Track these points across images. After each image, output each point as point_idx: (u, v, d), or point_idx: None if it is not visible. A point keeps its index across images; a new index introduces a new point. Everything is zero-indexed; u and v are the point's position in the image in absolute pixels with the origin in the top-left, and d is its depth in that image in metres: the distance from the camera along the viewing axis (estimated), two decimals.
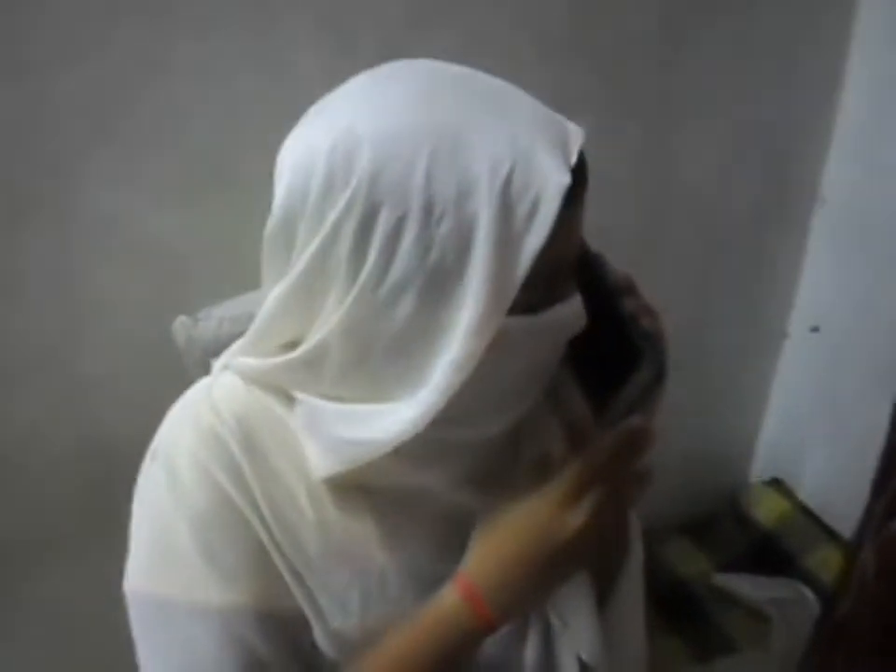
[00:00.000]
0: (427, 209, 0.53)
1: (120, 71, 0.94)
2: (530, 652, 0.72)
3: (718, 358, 1.74)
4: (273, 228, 0.60)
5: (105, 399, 1.07)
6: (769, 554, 1.72)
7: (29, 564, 1.12)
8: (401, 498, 0.67)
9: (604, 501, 0.62)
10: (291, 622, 0.64)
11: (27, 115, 0.91)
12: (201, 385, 0.69)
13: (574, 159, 0.55)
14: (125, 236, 1.01)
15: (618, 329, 0.64)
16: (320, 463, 0.63)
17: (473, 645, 0.64)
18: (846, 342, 1.67)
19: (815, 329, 1.74)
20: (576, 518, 0.61)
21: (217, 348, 0.73)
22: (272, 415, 0.66)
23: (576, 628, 0.70)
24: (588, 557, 0.66)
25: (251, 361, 0.66)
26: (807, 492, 1.81)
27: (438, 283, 0.54)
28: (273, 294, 0.62)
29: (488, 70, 0.60)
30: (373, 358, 0.58)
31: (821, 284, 1.71)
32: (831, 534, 1.70)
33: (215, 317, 0.80)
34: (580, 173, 0.57)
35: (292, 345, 0.63)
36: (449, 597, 0.62)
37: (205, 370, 0.72)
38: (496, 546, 0.63)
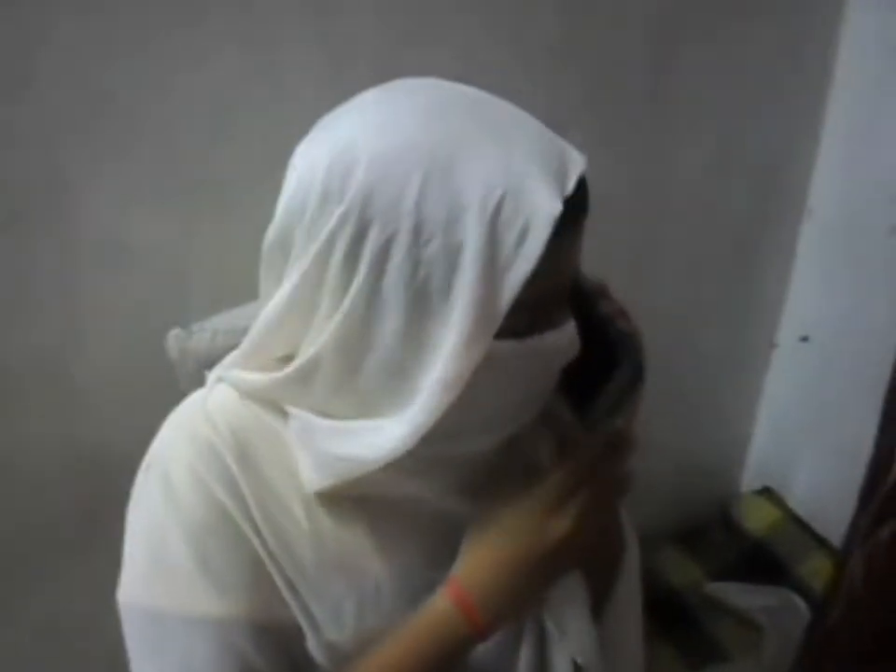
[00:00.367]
0: (416, 230, 0.53)
1: (121, 91, 0.94)
2: (525, 657, 0.72)
3: (708, 368, 1.75)
4: (271, 238, 0.61)
5: (102, 410, 1.07)
6: (760, 563, 1.72)
7: (24, 575, 1.12)
8: (395, 508, 0.67)
9: (588, 505, 0.64)
10: (286, 632, 0.64)
11: (27, 127, 0.92)
12: (195, 397, 0.70)
13: (570, 187, 0.55)
14: (124, 248, 1.01)
15: (595, 333, 0.64)
16: (312, 477, 0.63)
17: (464, 651, 0.65)
18: (834, 351, 1.68)
19: (804, 339, 1.75)
20: (562, 523, 0.63)
21: (211, 361, 0.73)
22: (266, 427, 0.66)
23: (571, 633, 0.71)
24: (575, 560, 0.68)
25: (245, 375, 0.67)
26: (798, 500, 1.82)
27: (425, 303, 0.55)
28: (268, 306, 0.62)
29: (479, 86, 0.61)
30: (363, 375, 0.59)
31: (810, 294, 1.72)
32: (821, 542, 1.71)
33: (209, 330, 0.80)
34: (579, 202, 0.57)
35: (286, 360, 0.63)
36: (440, 603, 0.63)
37: (199, 382, 0.73)
38: (485, 552, 0.64)
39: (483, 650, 0.68)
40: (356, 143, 0.55)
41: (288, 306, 0.60)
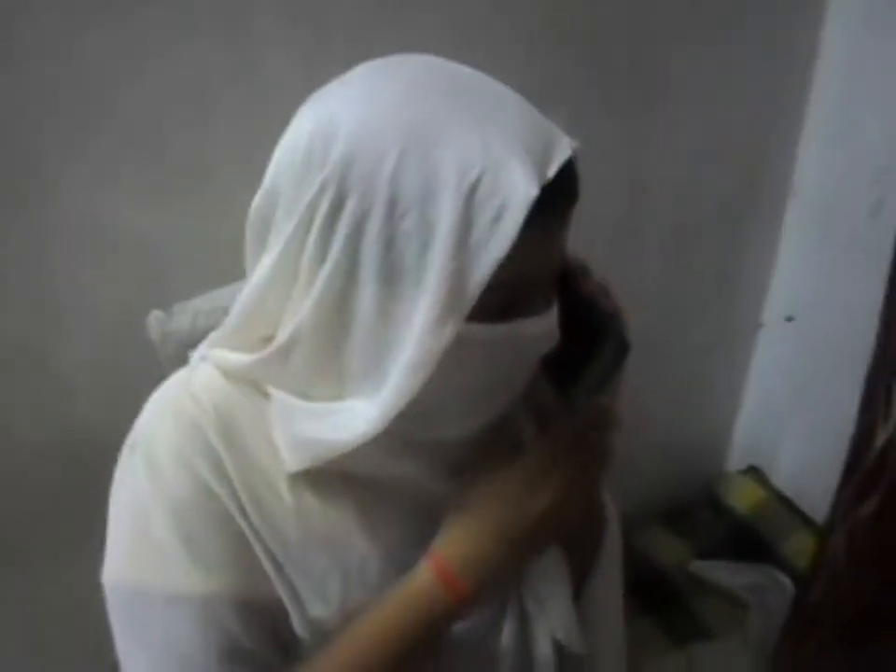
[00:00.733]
0: (392, 205, 0.53)
1: (97, 72, 0.94)
2: (507, 635, 0.72)
3: (693, 349, 1.75)
4: (255, 212, 0.61)
5: (82, 395, 1.06)
6: (746, 542, 1.74)
7: (7, 562, 1.12)
8: (381, 487, 0.67)
9: (570, 480, 0.65)
10: (270, 609, 0.64)
11: (4, 115, 0.91)
12: (179, 376, 0.70)
13: (551, 173, 0.54)
14: (102, 233, 1.01)
15: (577, 313, 0.64)
16: (288, 458, 0.64)
17: (446, 623, 0.65)
18: (820, 331, 1.69)
19: (789, 319, 1.76)
20: (543, 496, 0.64)
21: (192, 342, 0.73)
22: (251, 406, 0.66)
23: (551, 610, 0.72)
24: (556, 534, 0.68)
25: (228, 355, 0.67)
26: (783, 479, 1.83)
27: (398, 279, 0.55)
28: (250, 281, 0.62)
29: (463, 61, 0.60)
30: (340, 354, 0.59)
31: (795, 273, 1.73)
32: (806, 521, 1.72)
33: (189, 311, 0.80)
34: (564, 188, 0.57)
35: (269, 340, 0.63)
36: (421, 575, 0.64)
37: (181, 364, 0.72)
38: (466, 523, 0.65)
39: (465, 628, 0.69)
40: (338, 115, 0.56)
41: (269, 281, 0.60)
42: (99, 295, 1.03)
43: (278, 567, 0.64)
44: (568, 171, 0.57)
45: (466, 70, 0.60)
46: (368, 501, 0.67)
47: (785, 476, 1.83)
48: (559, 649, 0.73)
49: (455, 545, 0.64)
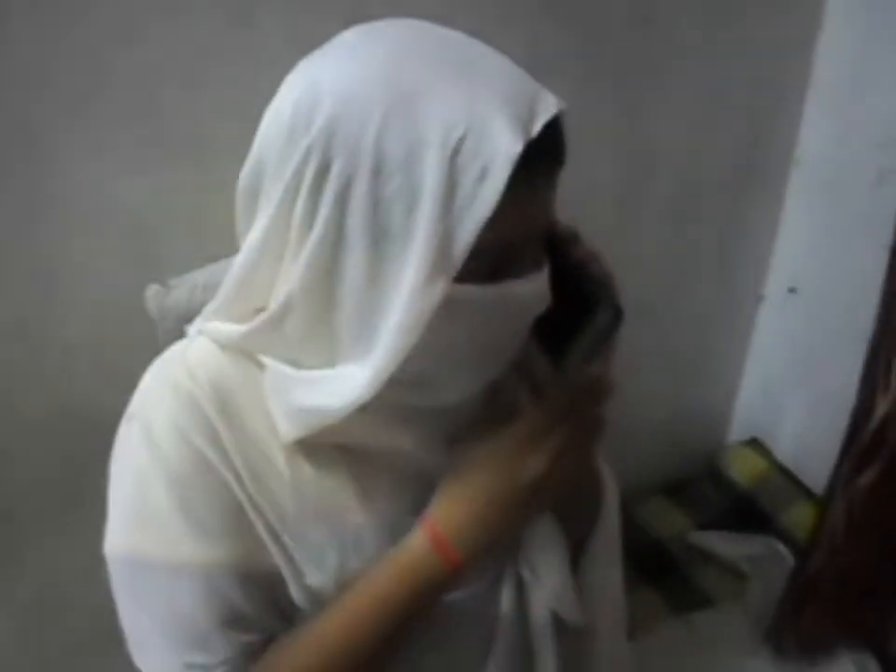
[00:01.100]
0: (377, 167, 0.53)
1: (92, 41, 0.93)
2: (504, 604, 0.74)
3: (694, 320, 1.75)
4: (244, 182, 0.61)
5: (79, 369, 1.06)
6: (746, 513, 1.74)
7: (16, 533, 1.13)
8: (376, 457, 0.68)
9: (562, 446, 0.64)
10: (269, 578, 0.65)
11: None
12: (175, 349, 0.70)
13: (536, 129, 0.54)
14: (97, 205, 1.00)
15: (568, 279, 0.64)
16: (283, 428, 0.64)
17: (440, 590, 0.66)
18: (821, 302, 1.68)
19: (792, 290, 1.75)
20: (536, 461, 0.64)
21: (190, 316, 0.74)
22: (247, 378, 0.66)
23: (547, 581, 0.72)
24: (549, 501, 0.69)
25: (222, 326, 0.67)
26: (784, 451, 1.83)
27: (385, 241, 0.55)
28: (241, 252, 0.63)
29: (461, 31, 0.60)
30: (332, 318, 0.59)
31: (797, 245, 1.72)
32: (807, 492, 1.72)
33: (187, 285, 0.80)
34: (550, 148, 0.57)
35: (261, 311, 0.63)
36: (415, 541, 0.64)
37: (179, 338, 0.73)
38: (459, 489, 0.65)
39: (462, 596, 0.69)
40: (322, 80, 0.56)
41: (259, 250, 0.60)
42: (95, 269, 1.03)
43: (276, 537, 0.64)
44: (554, 129, 0.57)
45: (452, 33, 0.60)
46: (363, 473, 0.67)
47: (786, 448, 1.83)
48: (556, 617, 0.74)
49: (448, 511, 0.65)
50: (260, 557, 0.64)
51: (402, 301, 0.55)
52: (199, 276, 0.81)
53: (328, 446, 0.66)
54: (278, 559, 0.65)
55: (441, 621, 0.69)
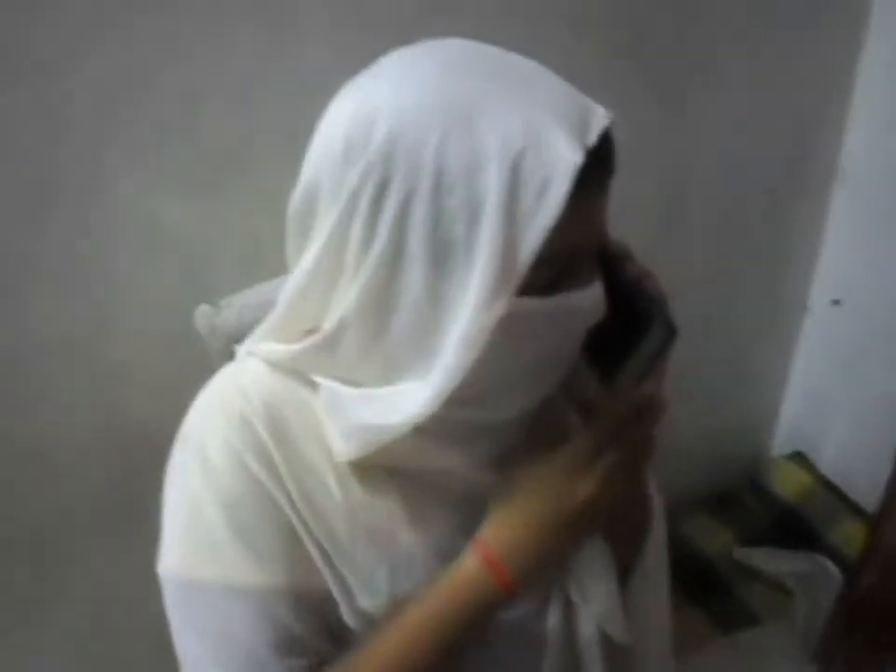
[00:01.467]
0: (437, 182, 0.53)
1: (137, 61, 0.94)
2: (552, 625, 0.73)
3: (738, 332, 1.73)
4: (296, 204, 0.61)
5: (129, 387, 1.07)
6: (791, 528, 1.71)
7: (66, 554, 1.14)
8: (426, 479, 0.68)
9: (614, 468, 0.64)
10: (321, 601, 0.65)
11: (47, 107, 0.91)
12: (227, 371, 0.70)
13: (592, 139, 0.55)
14: (146, 224, 1.01)
15: (619, 298, 0.63)
16: (341, 447, 0.64)
17: (492, 611, 0.65)
18: (867, 315, 1.66)
19: (836, 303, 1.72)
20: (586, 485, 0.63)
21: (240, 336, 0.74)
22: (298, 399, 0.67)
23: (596, 600, 0.72)
24: (600, 523, 0.68)
25: (274, 347, 0.67)
26: (829, 465, 1.81)
27: (447, 257, 0.55)
28: (294, 274, 0.62)
29: (506, 47, 0.60)
30: (388, 337, 0.59)
31: (842, 257, 1.70)
32: (853, 507, 1.70)
33: (236, 306, 0.81)
34: (603, 158, 0.57)
35: (313, 332, 0.63)
36: (468, 563, 0.64)
37: (228, 358, 0.73)
38: (511, 511, 0.65)
39: (511, 615, 0.69)
40: (376, 99, 0.56)
41: (314, 272, 0.60)
42: (144, 287, 1.04)
43: (328, 559, 0.64)
44: (606, 139, 0.57)
45: (496, 49, 0.60)
46: (413, 495, 0.67)
47: (831, 461, 1.81)
48: (604, 636, 0.74)
49: (500, 533, 0.65)
50: (313, 580, 0.64)
51: (465, 315, 0.55)
52: (249, 296, 0.82)
53: (378, 468, 0.66)
54: (330, 581, 0.65)
55: (491, 640, 0.69)
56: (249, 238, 1.04)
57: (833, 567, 1.60)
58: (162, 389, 0.93)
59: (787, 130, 1.55)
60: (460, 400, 0.57)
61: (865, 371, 1.68)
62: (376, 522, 0.66)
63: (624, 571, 0.76)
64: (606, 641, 0.74)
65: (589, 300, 0.61)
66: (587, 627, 0.73)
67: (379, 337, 0.59)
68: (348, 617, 0.65)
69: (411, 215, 0.54)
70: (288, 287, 0.63)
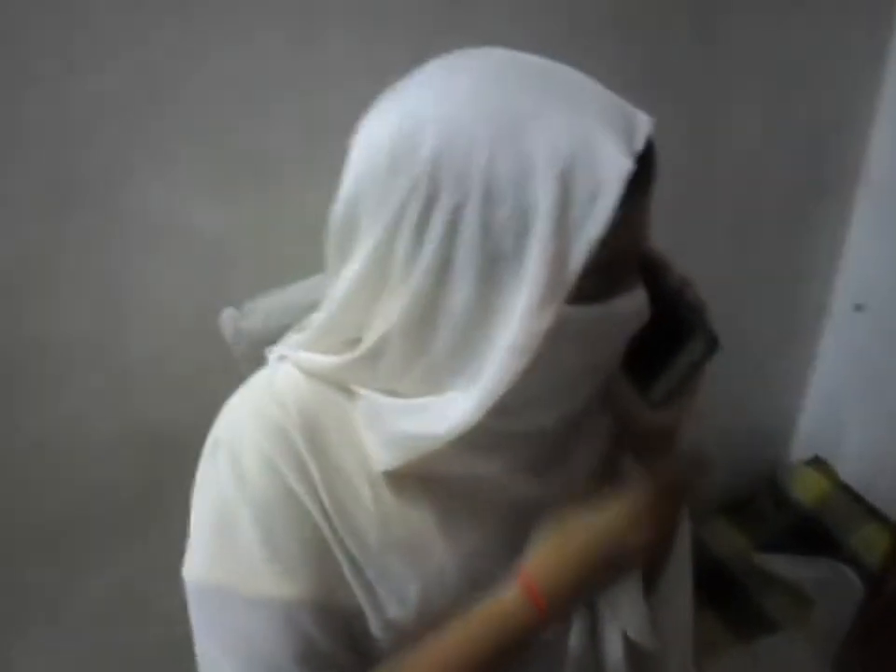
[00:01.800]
0: (487, 193, 0.53)
1: (160, 67, 0.94)
2: (576, 632, 0.73)
3: (759, 336, 1.72)
4: (339, 215, 0.60)
5: (149, 387, 1.07)
6: (810, 534, 1.71)
7: (85, 555, 1.14)
8: (460, 489, 0.67)
9: (669, 516, 0.66)
10: (347, 613, 0.64)
11: (70, 111, 0.92)
12: (261, 377, 0.70)
13: (639, 146, 0.55)
14: (168, 227, 1.01)
15: (660, 306, 0.63)
16: (381, 457, 0.63)
17: (527, 637, 0.65)
18: (889, 320, 1.65)
19: (858, 308, 1.71)
20: (644, 534, 0.65)
21: (266, 340, 0.74)
22: (334, 408, 0.66)
23: (622, 608, 0.72)
24: (643, 562, 0.69)
25: (313, 357, 0.66)
26: (848, 471, 1.80)
27: (496, 267, 0.54)
28: (336, 286, 0.62)
29: (525, 48, 0.60)
30: (432, 349, 0.59)
31: (865, 262, 1.69)
32: (873, 513, 1.69)
33: (261, 310, 0.80)
34: (647, 164, 0.57)
35: (352, 342, 0.63)
36: (510, 592, 0.64)
37: (254, 361, 0.73)
38: (560, 545, 0.65)
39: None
40: (421, 110, 0.55)
41: (357, 285, 0.59)
42: (161, 290, 1.04)
43: (358, 571, 0.64)
44: (650, 145, 0.57)
45: (535, 58, 0.60)
46: (447, 505, 0.67)
47: (850, 467, 1.80)
48: (629, 648, 0.73)
49: (546, 566, 0.65)
50: (340, 593, 0.64)
51: (514, 326, 0.54)
52: (274, 300, 0.81)
53: (412, 479, 0.65)
54: (359, 592, 0.64)
55: (520, 662, 0.68)
56: (265, 239, 1.04)
57: (852, 574, 1.59)
58: (179, 389, 0.93)
59: (810, 134, 1.54)
60: (500, 410, 0.57)
61: (886, 377, 1.67)
62: (409, 533, 0.66)
63: (650, 581, 0.76)
64: (630, 653, 0.74)
65: (635, 304, 0.61)
66: (612, 638, 0.73)
67: (423, 349, 0.59)
68: (376, 628, 0.65)
69: (460, 227, 0.54)
70: (330, 302, 0.63)
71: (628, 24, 1.25)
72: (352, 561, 0.64)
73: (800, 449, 1.93)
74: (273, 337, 0.73)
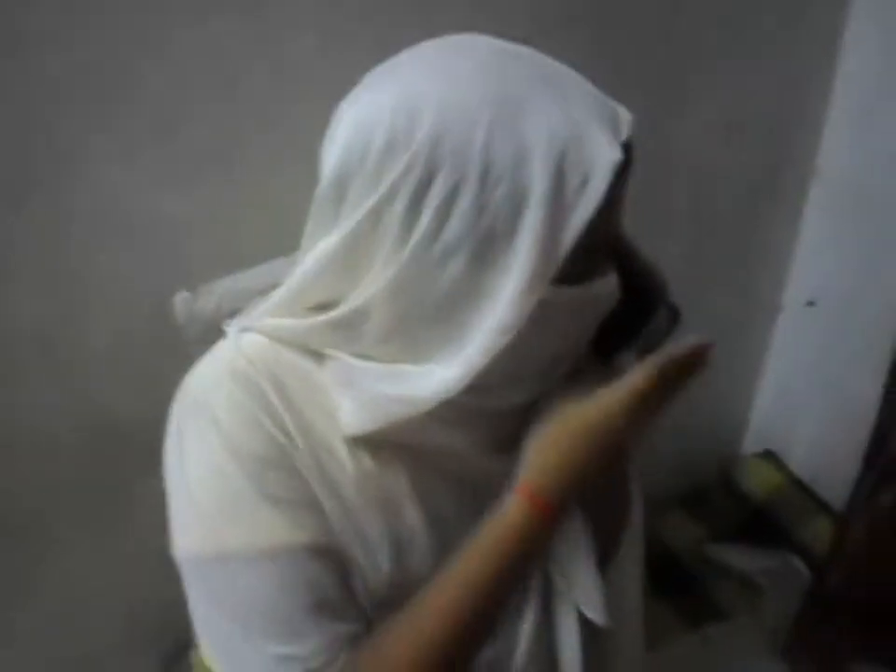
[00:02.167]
0: (484, 174, 0.55)
1: (118, 51, 0.93)
2: (532, 610, 0.73)
3: (712, 331, 1.72)
4: (325, 190, 0.61)
5: (106, 377, 1.06)
6: (761, 526, 1.73)
7: (43, 543, 1.12)
8: (430, 459, 0.68)
9: (656, 414, 0.63)
10: (343, 557, 0.64)
11: (26, 96, 0.90)
12: (226, 344, 0.69)
13: (624, 136, 0.58)
14: (123, 215, 1.00)
15: (625, 287, 0.65)
16: (352, 420, 0.63)
17: (541, 544, 0.65)
18: (840, 316, 1.67)
19: (811, 304, 1.74)
20: (638, 420, 0.62)
21: (218, 322, 0.73)
22: (300, 370, 0.66)
23: (578, 585, 0.72)
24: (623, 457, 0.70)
25: (283, 322, 0.66)
26: (799, 464, 1.83)
27: (488, 247, 0.57)
28: (313, 254, 0.63)
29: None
30: (416, 321, 0.60)
31: (817, 257, 1.71)
32: (822, 506, 1.71)
33: (215, 293, 0.79)
34: (629, 154, 0.59)
35: (321, 307, 0.64)
36: (516, 509, 0.62)
37: (207, 345, 0.72)
38: (555, 438, 0.63)
39: None
40: (421, 89, 0.57)
41: (342, 251, 0.60)
42: (120, 277, 1.03)
43: (335, 528, 0.64)
44: (629, 137, 0.60)
45: (523, 48, 0.62)
46: (419, 472, 0.68)
47: (801, 460, 1.83)
48: (583, 629, 0.74)
49: (547, 469, 0.63)
50: (336, 539, 0.64)
51: (503, 302, 0.56)
52: (229, 283, 0.80)
53: (385, 443, 0.66)
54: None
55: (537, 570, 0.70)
56: (223, 225, 1.03)
57: (801, 565, 1.62)
58: (140, 378, 0.92)
59: (762, 131, 1.56)
60: (477, 387, 0.59)
61: (836, 372, 1.70)
62: (385, 494, 0.66)
63: (603, 559, 0.76)
64: (584, 636, 0.74)
65: (610, 287, 0.63)
66: (567, 613, 0.74)
67: (408, 320, 0.60)
68: (360, 588, 0.64)
69: (455, 205, 0.56)
70: (303, 270, 0.63)
71: (589, 21, 1.26)
72: (330, 517, 0.63)
73: (752, 442, 1.96)
74: (226, 320, 0.72)
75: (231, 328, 0.71)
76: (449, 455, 0.68)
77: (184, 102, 0.98)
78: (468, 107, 0.55)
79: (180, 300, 0.79)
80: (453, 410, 0.60)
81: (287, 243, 0.69)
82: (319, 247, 0.62)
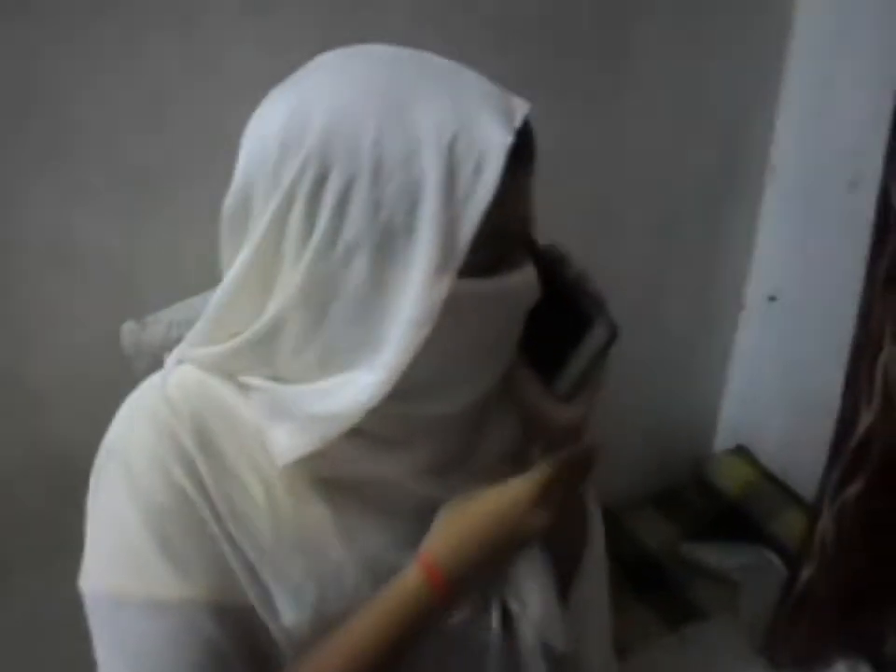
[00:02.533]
0: (376, 170, 0.55)
1: (56, 86, 0.92)
2: (493, 633, 0.73)
3: (676, 330, 1.75)
4: (230, 205, 0.61)
5: (56, 411, 1.05)
6: (735, 522, 1.74)
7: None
8: (359, 491, 0.67)
9: (566, 496, 0.68)
10: (247, 616, 0.64)
11: None
12: (153, 380, 0.69)
13: (518, 123, 0.58)
14: (69, 248, 0.99)
15: (559, 300, 0.65)
16: (287, 447, 0.62)
17: (433, 619, 0.66)
18: (802, 310, 1.69)
19: (772, 299, 1.75)
20: (542, 515, 0.67)
21: (166, 352, 0.72)
22: (225, 409, 0.66)
23: (534, 611, 0.73)
24: (541, 540, 0.72)
25: (210, 349, 0.66)
26: (770, 458, 1.83)
27: (388, 242, 0.56)
28: (228, 274, 0.62)
29: (432, 51, 0.62)
30: (329, 328, 0.59)
31: (776, 253, 1.73)
32: (795, 499, 1.72)
33: (163, 322, 0.79)
34: (526, 142, 0.60)
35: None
36: (411, 574, 0.65)
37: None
38: (460, 527, 0.67)
39: (452, 626, 0.69)
40: (310, 97, 0.58)
41: (249, 269, 0.60)
42: (67, 310, 1.02)
43: (253, 573, 0.63)
44: (527, 125, 0.60)
45: (418, 51, 0.63)
46: (346, 508, 0.67)
47: (772, 455, 1.83)
48: (546, 653, 0.74)
49: (446, 548, 0.66)
50: (238, 593, 0.63)
51: (411, 296, 0.56)
52: (176, 312, 0.80)
53: (307, 482, 0.66)
54: (253, 596, 0.63)
55: (433, 648, 0.69)
56: (170, 256, 1.03)
57: (776, 559, 1.63)
58: (89, 409, 0.90)
59: (716, 130, 1.58)
60: (403, 393, 0.58)
61: (802, 365, 1.71)
62: (304, 534, 0.66)
63: (564, 581, 0.76)
64: (548, 649, 0.74)
65: (524, 280, 0.63)
66: (528, 635, 0.74)
67: (318, 329, 0.60)
68: (275, 631, 0.64)
69: (350, 203, 0.56)
70: (221, 291, 0.63)
71: (529, 26, 1.26)
72: (246, 563, 0.63)
73: (724, 439, 1.97)
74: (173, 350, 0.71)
75: (169, 359, 0.70)
76: (381, 486, 0.68)
77: (121, 134, 0.97)
78: (357, 105, 0.56)
79: (127, 330, 0.79)
80: (386, 424, 0.61)
81: None
82: (234, 265, 0.61)
